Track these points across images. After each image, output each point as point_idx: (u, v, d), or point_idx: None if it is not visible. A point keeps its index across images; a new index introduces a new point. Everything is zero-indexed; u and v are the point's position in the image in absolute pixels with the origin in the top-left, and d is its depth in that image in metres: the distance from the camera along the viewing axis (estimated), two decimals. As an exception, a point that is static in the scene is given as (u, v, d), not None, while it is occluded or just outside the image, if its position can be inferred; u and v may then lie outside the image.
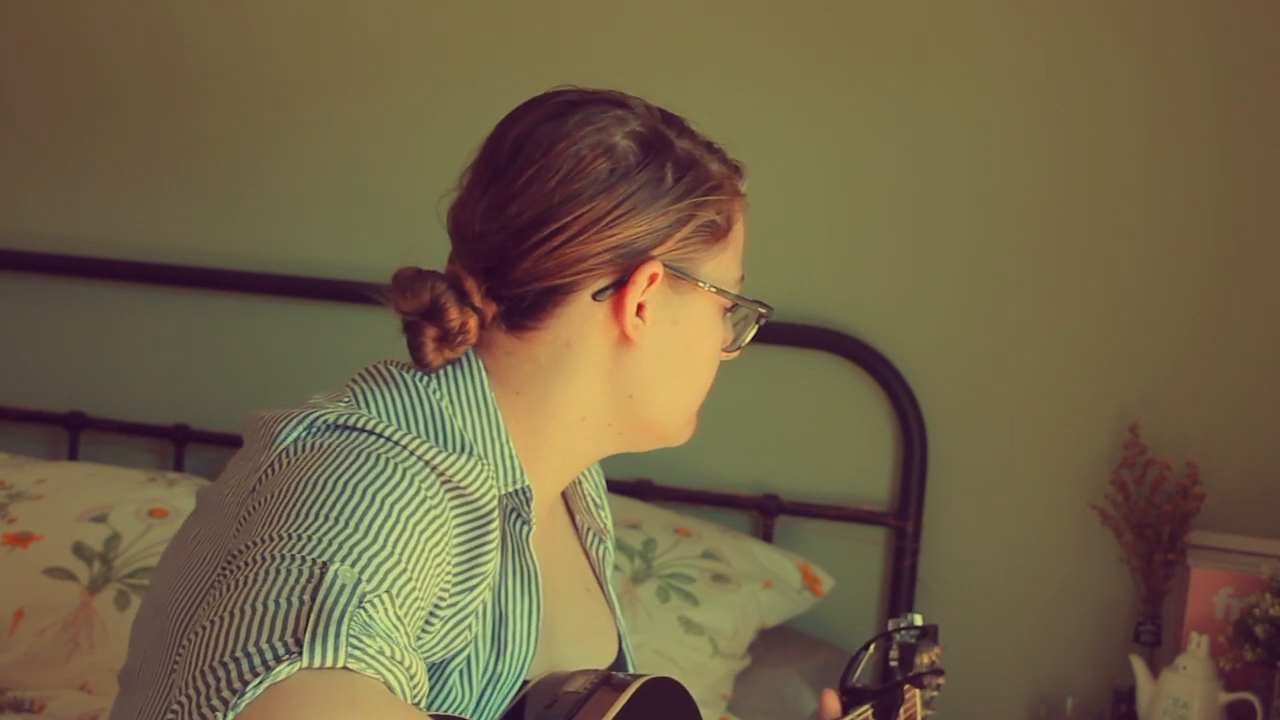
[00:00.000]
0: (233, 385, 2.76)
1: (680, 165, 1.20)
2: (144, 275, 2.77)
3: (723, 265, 1.24)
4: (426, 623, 1.08)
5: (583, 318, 1.20)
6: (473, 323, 1.19)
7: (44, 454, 2.81)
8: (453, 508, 1.10)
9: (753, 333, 1.30)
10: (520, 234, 1.18)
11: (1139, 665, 2.26)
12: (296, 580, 0.94)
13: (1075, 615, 2.46)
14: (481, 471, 1.13)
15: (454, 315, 1.18)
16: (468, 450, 1.17)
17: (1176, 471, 2.36)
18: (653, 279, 1.19)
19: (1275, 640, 2.09)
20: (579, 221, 1.17)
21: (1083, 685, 2.45)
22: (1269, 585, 2.13)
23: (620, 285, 1.19)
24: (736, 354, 1.31)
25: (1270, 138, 2.36)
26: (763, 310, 1.28)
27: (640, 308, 1.20)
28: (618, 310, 1.19)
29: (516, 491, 1.19)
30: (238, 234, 2.76)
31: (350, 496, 1.02)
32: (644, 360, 1.22)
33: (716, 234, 1.23)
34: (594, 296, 1.19)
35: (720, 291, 1.23)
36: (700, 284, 1.22)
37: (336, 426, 1.11)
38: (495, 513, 1.14)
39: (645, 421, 1.25)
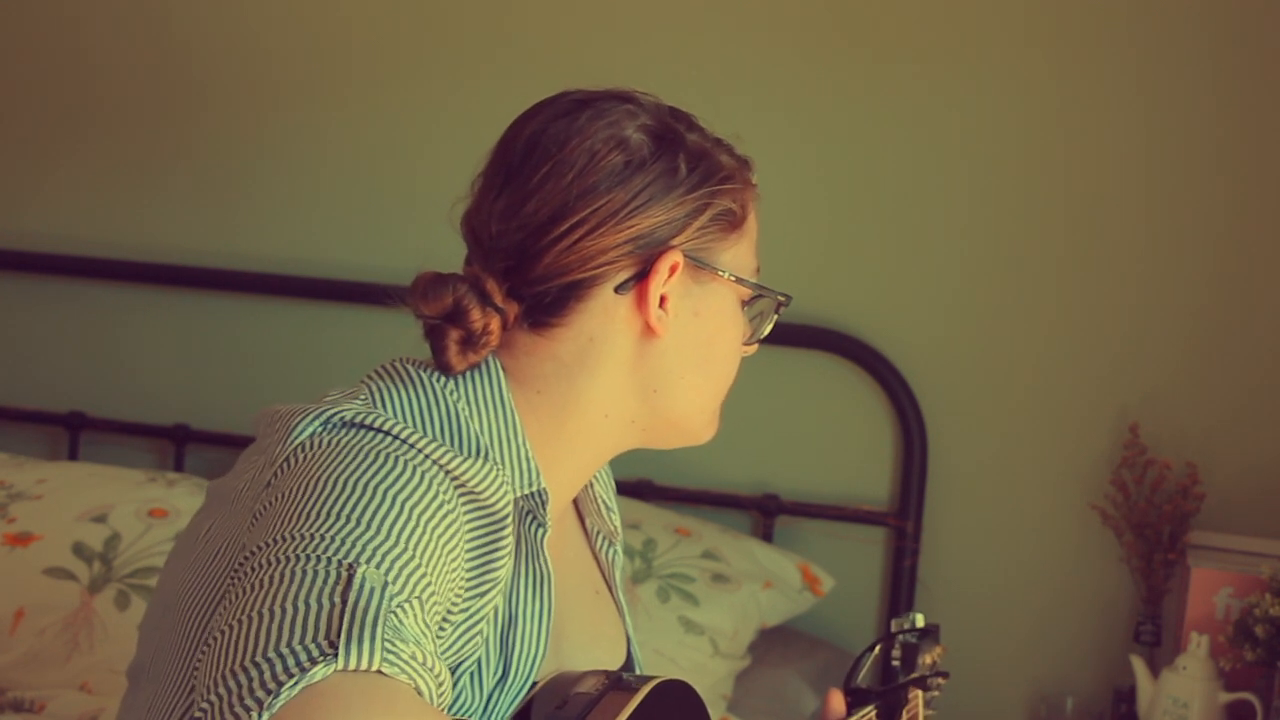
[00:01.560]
0: (233, 385, 2.76)
1: (693, 156, 1.21)
2: (144, 275, 2.77)
3: (740, 255, 1.25)
4: (440, 628, 1.07)
5: (605, 312, 1.19)
6: (495, 324, 1.18)
7: (44, 454, 2.81)
8: (466, 513, 1.10)
9: (771, 325, 1.30)
10: (539, 230, 1.17)
11: (1139, 665, 2.26)
12: (325, 582, 0.93)
13: (1075, 615, 2.46)
14: (496, 477, 1.12)
15: (476, 317, 1.17)
16: (483, 455, 1.16)
17: (1176, 471, 2.36)
18: (674, 269, 1.19)
19: (1275, 640, 2.09)
20: (597, 214, 1.17)
21: (1083, 685, 2.45)
22: (1269, 585, 2.13)
23: (642, 276, 1.19)
24: (755, 349, 1.30)
25: (1271, 138, 2.37)
26: (782, 299, 1.28)
27: (663, 300, 1.20)
28: (641, 302, 1.19)
29: (532, 494, 1.18)
30: (238, 234, 2.76)
31: (370, 498, 1.01)
32: (667, 353, 1.22)
33: (733, 223, 1.23)
34: (616, 290, 1.19)
35: (740, 281, 1.23)
36: (720, 273, 1.22)
37: (352, 424, 1.11)
38: (509, 519, 1.13)
39: (669, 417, 1.24)
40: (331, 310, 2.70)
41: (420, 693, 0.90)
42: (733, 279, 1.23)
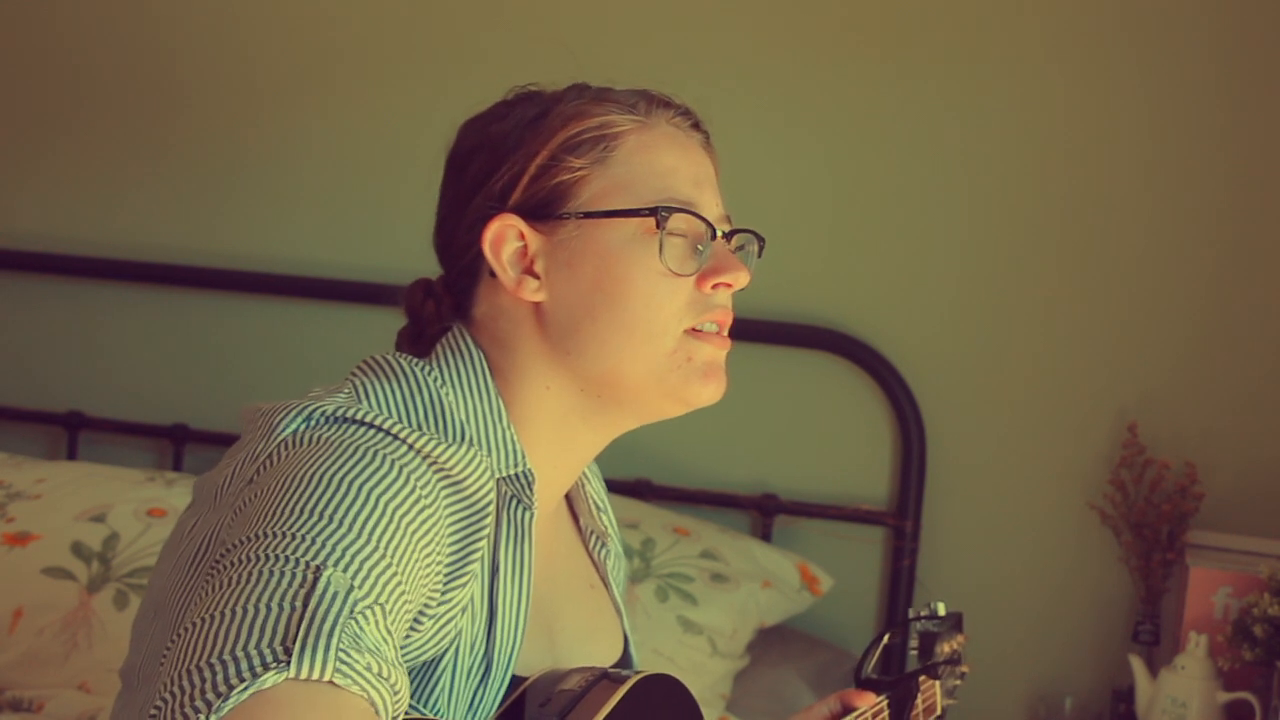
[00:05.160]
0: (232, 385, 2.76)
1: (530, 120, 1.22)
2: (143, 275, 2.76)
3: (609, 188, 1.19)
4: (417, 621, 1.07)
5: (492, 292, 1.22)
6: (419, 295, 1.26)
7: (43, 454, 2.81)
8: (447, 502, 1.10)
9: (684, 246, 1.21)
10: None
11: (1138, 665, 2.26)
12: (289, 584, 0.93)
13: (1074, 615, 2.46)
14: (479, 461, 1.13)
15: (413, 295, 1.27)
16: (466, 439, 1.17)
17: (1175, 471, 2.36)
18: (522, 237, 1.20)
19: (1274, 640, 2.09)
20: (446, 206, 1.25)
21: (1081, 685, 2.45)
22: (1267, 585, 2.13)
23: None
24: (731, 278, 1.21)
25: (1271, 137, 2.37)
26: (664, 214, 1.18)
27: (532, 263, 1.20)
28: (503, 277, 1.20)
29: (517, 475, 1.19)
30: (237, 233, 2.76)
31: (344, 494, 1.02)
32: (561, 312, 1.20)
33: (590, 160, 1.19)
34: (490, 274, 1.22)
35: (587, 215, 1.18)
36: (567, 216, 1.19)
37: (335, 419, 1.12)
38: (491, 505, 1.14)
39: (608, 379, 1.20)
40: (332, 309, 2.70)
41: (373, 704, 0.90)
42: (580, 215, 1.18)
